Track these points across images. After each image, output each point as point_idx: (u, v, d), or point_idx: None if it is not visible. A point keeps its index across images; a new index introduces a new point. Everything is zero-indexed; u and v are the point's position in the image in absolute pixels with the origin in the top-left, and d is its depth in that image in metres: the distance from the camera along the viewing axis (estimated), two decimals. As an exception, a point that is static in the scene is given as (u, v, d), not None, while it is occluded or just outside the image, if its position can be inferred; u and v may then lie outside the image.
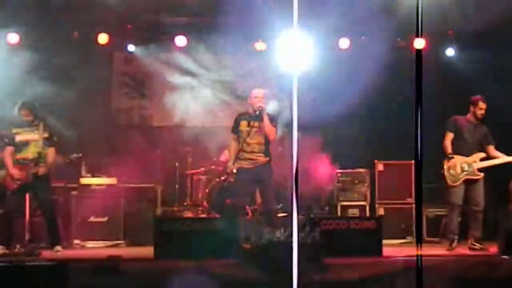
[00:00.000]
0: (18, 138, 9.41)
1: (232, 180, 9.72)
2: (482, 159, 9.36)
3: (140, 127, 13.37)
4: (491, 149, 9.40)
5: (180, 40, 12.76)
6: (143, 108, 13.62)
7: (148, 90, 13.62)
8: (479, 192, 9.34)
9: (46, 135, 9.45)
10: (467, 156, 9.30)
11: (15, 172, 9.24)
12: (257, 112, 9.09)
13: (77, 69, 12.73)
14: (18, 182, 9.24)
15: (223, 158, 12.37)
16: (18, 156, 9.36)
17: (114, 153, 12.08)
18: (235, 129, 9.38)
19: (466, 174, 9.24)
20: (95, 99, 13.19)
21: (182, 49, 13.01)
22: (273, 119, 9.17)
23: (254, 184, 9.28)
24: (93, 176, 11.30)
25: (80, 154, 9.59)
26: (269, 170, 9.19)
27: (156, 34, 12.91)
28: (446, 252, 9.15)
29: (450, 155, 9.32)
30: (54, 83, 12.37)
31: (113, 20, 12.48)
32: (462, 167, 9.23)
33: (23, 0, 11.82)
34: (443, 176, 9.37)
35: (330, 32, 12.83)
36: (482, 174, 9.30)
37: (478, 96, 9.46)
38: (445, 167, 9.34)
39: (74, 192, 11.02)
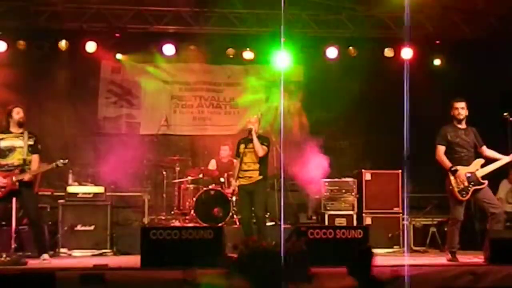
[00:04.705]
0: (3, 144, 9.31)
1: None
2: (482, 165, 9.07)
3: (127, 135, 13.34)
4: (485, 150, 9.17)
5: (168, 49, 12.75)
6: (130, 117, 13.58)
7: (136, 99, 13.59)
8: (490, 195, 9.08)
9: (30, 142, 9.39)
10: (467, 165, 9.05)
11: None
12: (249, 135, 10.01)
13: (65, 77, 12.75)
14: (3, 190, 9.16)
15: (210, 166, 12.38)
16: (3, 162, 9.28)
17: (101, 161, 12.06)
18: (237, 152, 10.28)
19: (473, 185, 8.90)
20: (82, 107, 13.19)
21: (170, 58, 13.01)
22: (265, 140, 10.07)
23: (249, 197, 10.04)
24: (80, 184, 11.27)
25: (67, 160, 9.50)
26: (262, 186, 10.07)
27: (144, 43, 12.90)
28: (433, 262, 9.13)
29: (454, 168, 8.91)
30: (41, 91, 12.40)
31: (101, 29, 12.49)
32: (468, 178, 8.98)
33: (10, 8, 11.86)
34: (452, 191, 8.92)
35: (318, 41, 12.92)
36: (486, 182, 9.01)
37: (453, 99, 9.24)
38: (453, 182, 8.91)
39: (61, 201, 10.98)
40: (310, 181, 11.64)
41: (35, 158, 9.38)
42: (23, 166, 9.23)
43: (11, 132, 9.38)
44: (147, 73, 13.47)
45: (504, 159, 9.14)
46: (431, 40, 12.88)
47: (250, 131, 9.96)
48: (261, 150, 9.89)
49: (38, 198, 9.85)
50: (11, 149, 9.29)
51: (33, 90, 12.27)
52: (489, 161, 9.15)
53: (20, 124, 9.39)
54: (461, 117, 9.10)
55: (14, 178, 9.12)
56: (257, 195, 9.95)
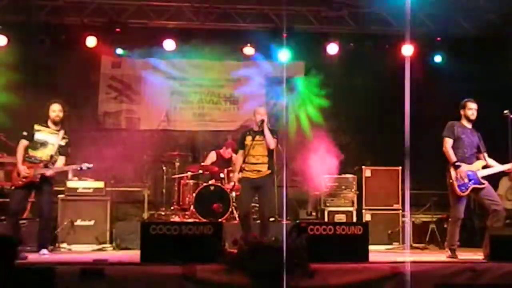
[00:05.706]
0: (38, 136, 9.30)
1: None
2: (483, 167, 9.07)
3: (127, 130, 13.34)
4: (486, 157, 9.17)
5: (169, 44, 12.74)
6: (130, 112, 13.59)
7: (136, 94, 13.60)
8: (492, 192, 9.06)
9: (62, 143, 9.40)
10: (468, 163, 9.01)
11: (23, 169, 9.19)
12: (259, 127, 9.64)
13: (65, 72, 12.73)
14: (24, 180, 9.16)
15: (209, 159, 12.37)
16: (32, 153, 9.28)
17: (101, 156, 12.05)
18: (241, 144, 9.84)
19: (473, 183, 8.89)
20: (82, 102, 13.18)
21: (170, 53, 12.99)
22: (274, 132, 9.68)
23: (254, 192, 9.74)
24: (80, 179, 11.28)
25: (92, 165, 9.55)
26: (271, 181, 9.73)
27: (144, 38, 12.89)
28: (432, 259, 9.12)
29: (458, 164, 8.91)
30: (41, 85, 12.38)
31: (102, 24, 12.47)
32: (469, 175, 8.99)
33: (11, 2, 11.84)
34: (452, 185, 8.92)
35: (319, 37, 12.91)
36: (486, 183, 8.97)
37: (466, 99, 9.24)
38: (453, 176, 8.92)
39: (61, 196, 10.99)
40: (311, 177, 11.63)
41: (61, 159, 9.43)
42: (48, 162, 9.24)
43: (48, 127, 9.40)
44: (147, 68, 13.47)
45: (504, 166, 9.16)
46: (432, 37, 12.87)
47: (262, 122, 9.56)
48: (272, 142, 9.52)
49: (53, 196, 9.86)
50: (43, 143, 9.32)
51: (33, 84, 12.25)
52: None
53: (55, 122, 9.44)
54: (474, 117, 9.14)
55: (36, 171, 9.14)
56: (266, 191, 9.62)
